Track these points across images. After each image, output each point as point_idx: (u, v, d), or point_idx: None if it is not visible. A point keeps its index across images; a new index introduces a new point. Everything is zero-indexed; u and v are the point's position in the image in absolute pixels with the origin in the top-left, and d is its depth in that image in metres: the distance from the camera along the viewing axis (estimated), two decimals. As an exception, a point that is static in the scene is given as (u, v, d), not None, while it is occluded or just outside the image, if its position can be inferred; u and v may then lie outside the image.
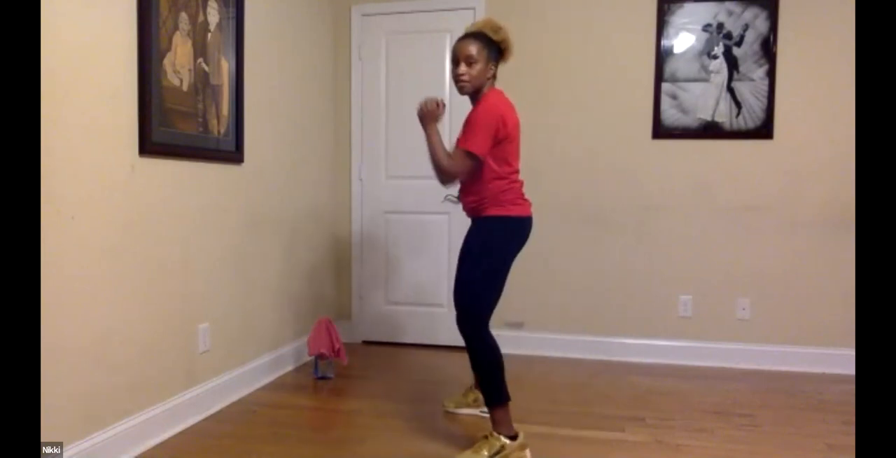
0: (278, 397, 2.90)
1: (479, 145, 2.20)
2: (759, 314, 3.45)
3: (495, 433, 2.20)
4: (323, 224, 3.77)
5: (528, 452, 2.23)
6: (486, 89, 2.33)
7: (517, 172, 2.35)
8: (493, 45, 2.33)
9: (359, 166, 3.90)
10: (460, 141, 2.26)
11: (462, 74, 2.28)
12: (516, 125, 2.31)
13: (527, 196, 2.38)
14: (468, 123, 2.27)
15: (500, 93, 2.34)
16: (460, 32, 2.42)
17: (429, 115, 2.29)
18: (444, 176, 2.27)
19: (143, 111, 2.19)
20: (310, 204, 3.57)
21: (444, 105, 2.34)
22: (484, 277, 2.26)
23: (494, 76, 2.38)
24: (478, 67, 2.27)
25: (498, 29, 2.34)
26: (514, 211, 2.30)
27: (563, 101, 3.61)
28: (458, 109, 3.43)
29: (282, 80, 3.22)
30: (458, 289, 2.32)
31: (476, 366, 2.31)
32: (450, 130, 3.48)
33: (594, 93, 3.57)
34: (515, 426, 2.24)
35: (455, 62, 2.31)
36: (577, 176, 3.61)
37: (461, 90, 2.34)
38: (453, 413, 2.68)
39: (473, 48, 2.27)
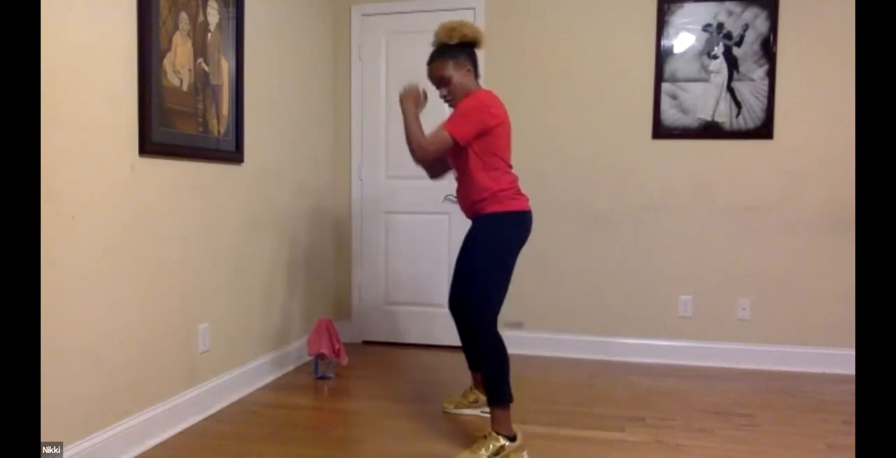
0: (278, 397, 2.90)
1: (461, 131, 2.22)
2: (759, 314, 3.45)
3: (494, 433, 2.19)
4: (323, 224, 3.77)
5: (525, 454, 2.22)
6: (473, 90, 2.34)
7: (510, 166, 2.36)
8: (455, 50, 2.34)
9: (359, 166, 3.90)
10: (444, 123, 2.26)
11: (445, 95, 2.38)
12: (504, 120, 2.30)
13: (526, 194, 2.39)
14: (454, 111, 2.29)
15: (489, 92, 2.33)
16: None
17: (411, 94, 2.34)
18: (417, 152, 2.27)
19: (143, 111, 2.19)
20: (310, 204, 3.57)
21: (426, 95, 2.39)
22: (490, 269, 2.25)
23: (476, 75, 2.41)
24: (454, 82, 2.34)
25: (451, 32, 2.34)
26: (513, 206, 2.30)
27: (563, 101, 3.61)
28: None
29: (282, 80, 3.22)
30: (463, 280, 2.33)
31: (483, 363, 2.26)
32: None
33: (594, 93, 3.57)
34: (515, 426, 2.24)
35: (435, 85, 2.40)
36: (577, 176, 3.61)
37: (451, 105, 2.38)
38: (453, 414, 2.68)
39: (440, 69, 2.34)
